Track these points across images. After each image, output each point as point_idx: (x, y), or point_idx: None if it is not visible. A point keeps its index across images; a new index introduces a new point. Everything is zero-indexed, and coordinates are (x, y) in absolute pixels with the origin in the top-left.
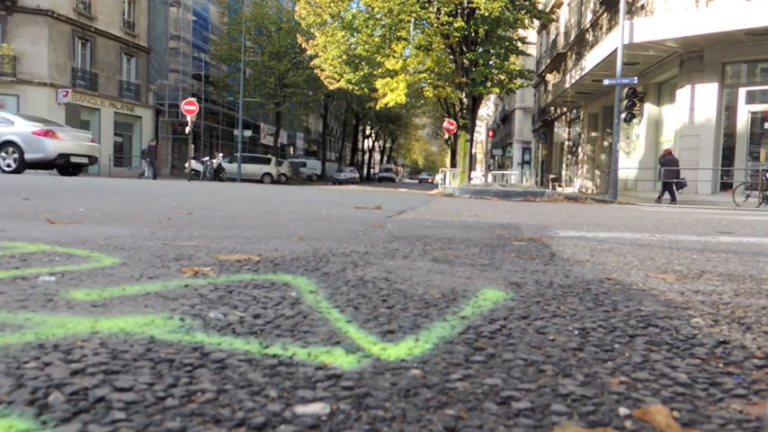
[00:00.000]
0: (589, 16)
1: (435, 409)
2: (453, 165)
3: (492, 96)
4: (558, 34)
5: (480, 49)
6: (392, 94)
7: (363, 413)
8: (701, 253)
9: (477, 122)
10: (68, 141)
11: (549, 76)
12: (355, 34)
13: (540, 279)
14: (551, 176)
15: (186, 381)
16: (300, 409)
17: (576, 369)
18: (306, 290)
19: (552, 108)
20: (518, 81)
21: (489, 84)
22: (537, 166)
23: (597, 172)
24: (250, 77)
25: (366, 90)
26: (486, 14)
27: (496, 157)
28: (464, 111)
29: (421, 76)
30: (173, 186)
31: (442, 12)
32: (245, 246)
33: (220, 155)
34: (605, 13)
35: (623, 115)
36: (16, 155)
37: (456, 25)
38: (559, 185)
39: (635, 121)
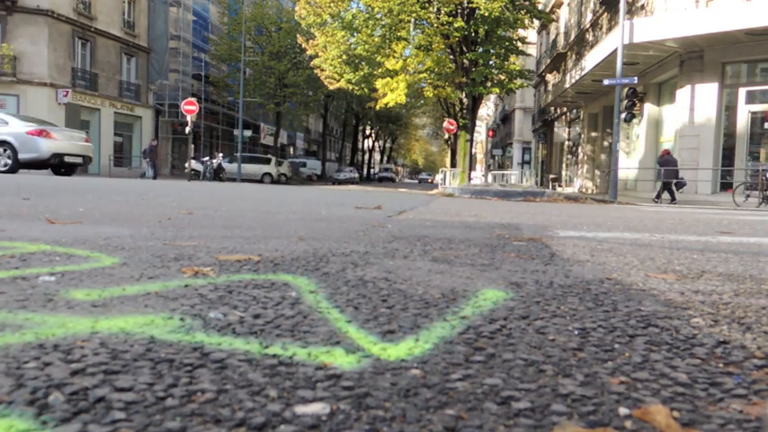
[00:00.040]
0: (589, 16)
1: (435, 409)
2: (453, 165)
3: (492, 96)
4: (558, 34)
5: (480, 49)
6: (392, 94)
7: (363, 413)
8: (701, 253)
9: (477, 122)
10: (62, 141)
11: (549, 76)
12: (355, 34)
13: (540, 279)
14: (551, 176)
15: (186, 381)
16: (300, 409)
17: (576, 369)
18: (306, 290)
19: (552, 108)
20: (518, 81)
21: (489, 84)
22: (537, 166)
23: (597, 172)
24: (250, 77)
25: (366, 90)
26: (486, 14)
27: (496, 157)
28: (464, 111)
29: (421, 76)
30: (173, 186)
31: (442, 12)
32: (245, 246)
33: (220, 155)
34: (605, 13)
35: (623, 115)
36: (10, 154)
37: (456, 25)
38: (559, 185)
39: (635, 121)
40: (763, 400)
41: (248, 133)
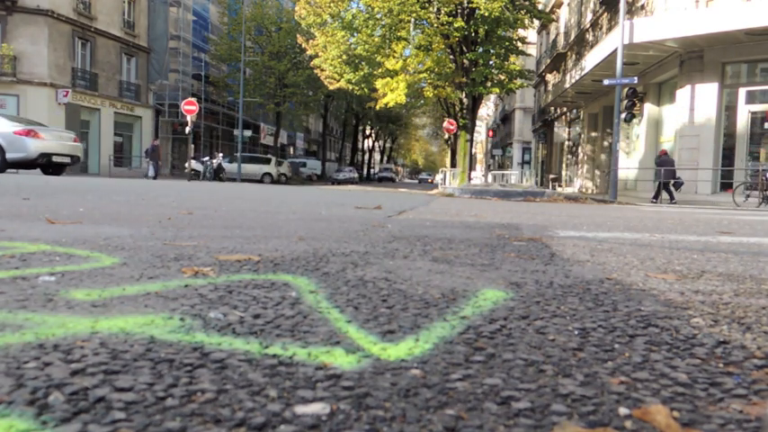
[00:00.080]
0: (589, 16)
1: (435, 409)
2: (453, 165)
3: (492, 96)
4: (558, 34)
5: (480, 49)
6: (392, 94)
7: (363, 413)
8: (701, 253)
9: (477, 122)
10: (50, 141)
11: (549, 76)
12: (355, 34)
13: (540, 279)
14: (551, 176)
15: (186, 381)
16: (300, 409)
17: (576, 369)
18: (306, 290)
19: (552, 108)
20: (518, 81)
21: (489, 84)
22: (537, 166)
23: (597, 172)
24: (250, 77)
25: (366, 90)
26: (486, 14)
27: (496, 157)
28: (464, 111)
29: (421, 76)
30: (173, 186)
31: (442, 12)
32: (245, 246)
33: (220, 155)
34: (605, 13)
35: (623, 115)
36: None
37: (456, 25)
38: (559, 185)
39: (635, 121)
40: (763, 400)
41: (248, 133)
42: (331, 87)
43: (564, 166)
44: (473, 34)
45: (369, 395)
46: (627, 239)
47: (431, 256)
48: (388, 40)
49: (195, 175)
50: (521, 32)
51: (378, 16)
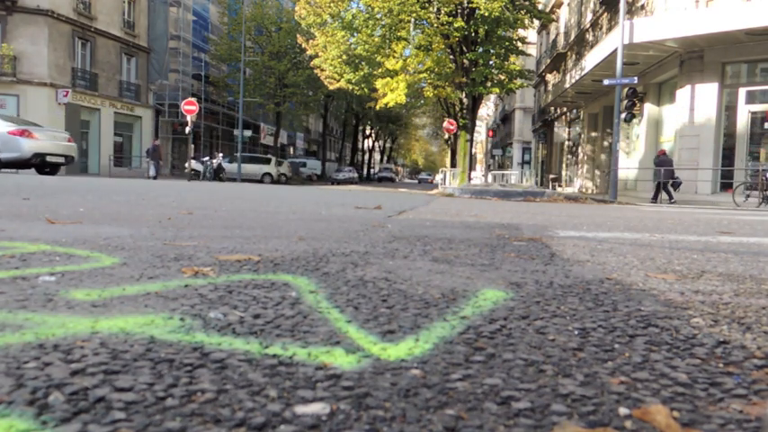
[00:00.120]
0: (589, 16)
1: (435, 409)
2: (453, 165)
3: (492, 96)
4: (558, 34)
5: (480, 49)
6: (392, 94)
7: (363, 413)
8: (701, 253)
9: (477, 122)
10: (44, 141)
11: (549, 76)
12: (355, 34)
13: (540, 279)
14: (551, 176)
15: (186, 381)
16: (300, 409)
17: (576, 369)
18: (306, 290)
19: (552, 108)
20: (518, 81)
21: (489, 84)
22: (537, 166)
23: (597, 172)
24: (250, 77)
25: (366, 90)
26: (486, 14)
27: (496, 157)
28: (464, 111)
29: (421, 76)
30: (173, 186)
31: (442, 12)
32: (245, 246)
33: (220, 155)
34: (605, 13)
35: (623, 115)
36: None
37: (456, 25)
38: (559, 185)
39: (635, 121)
40: (763, 400)
41: (248, 133)
42: (331, 87)
43: (564, 166)
44: (473, 34)
45: (369, 395)
46: (627, 239)
47: (431, 256)
48: (388, 40)
49: (195, 175)
50: (521, 32)
51: (378, 16)
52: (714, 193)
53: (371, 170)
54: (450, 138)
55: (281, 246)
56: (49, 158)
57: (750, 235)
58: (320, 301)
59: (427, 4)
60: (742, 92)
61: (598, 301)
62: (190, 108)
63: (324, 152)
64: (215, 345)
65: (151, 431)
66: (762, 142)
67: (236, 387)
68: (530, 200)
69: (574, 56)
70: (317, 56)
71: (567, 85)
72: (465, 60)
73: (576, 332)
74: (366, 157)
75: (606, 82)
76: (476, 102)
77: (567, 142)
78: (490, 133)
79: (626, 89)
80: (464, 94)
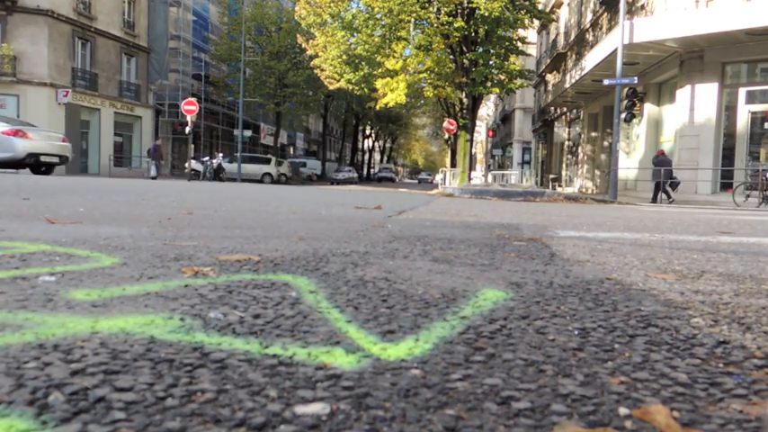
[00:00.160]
0: (589, 16)
1: (435, 409)
2: (453, 165)
3: (492, 96)
4: (558, 34)
5: (480, 49)
6: (392, 94)
7: (363, 413)
8: (701, 253)
9: (477, 122)
10: (38, 141)
11: (549, 76)
12: (355, 34)
13: (540, 279)
14: (551, 176)
15: (186, 381)
16: (300, 409)
17: (576, 369)
18: (306, 290)
19: (552, 108)
20: (518, 81)
21: (489, 84)
22: (537, 166)
23: (597, 172)
24: (250, 77)
25: (366, 90)
26: (486, 14)
27: (496, 157)
28: (464, 111)
29: (421, 76)
30: (173, 186)
31: (442, 12)
32: (245, 246)
33: (220, 155)
34: (605, 13)
35: (623, 115)
36: None
37: (456, 25)
38: (559, 185)
39: (635, 121)
40: (763, 400)
41: (248, 133)
42: (331, 87)
43: (564, 166)
44: (473, 34)
45: (369, 395)
46: (627, 239)
47: (431, 256)
48: (388, 40)
49: (195, 175)
50: (521, 32)
51: (378, 16)
52: (714, 193)
53: (371, 170)
54: (450, 138)
55: (281, 246)
56: (43, 158)
57: (750, 235)
58: (320, 301)
59: (427, 4)
60: (742, 92)
61: (598, 301)
62: (190, 108)
63: (324, 152)
64: (215, 345)
65: (151, 431)
66: (762, 142)
67: (236, 387)
68: (530, 200)
69: (574, 56)
70: (317, 56)
71: (567, 85)
72: (465, 60)
73: (576, 332)
74: (366, 157)
75: (606, 82)
76: (476, 102)
77: (567, 142)
78: (490, 133)
79: (626, 89)
80: (464, 94)
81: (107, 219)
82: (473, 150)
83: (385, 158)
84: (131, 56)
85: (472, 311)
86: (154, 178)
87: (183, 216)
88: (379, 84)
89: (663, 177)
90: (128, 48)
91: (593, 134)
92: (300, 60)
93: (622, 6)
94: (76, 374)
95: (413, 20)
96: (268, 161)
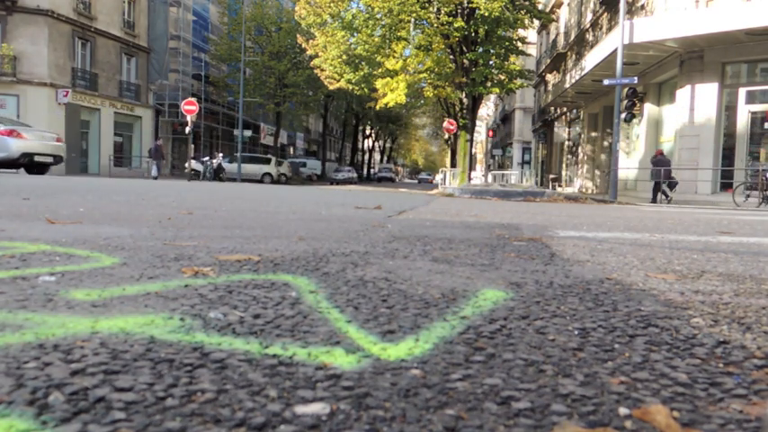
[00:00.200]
0: (589, 16)
1: (435, 409)
2: (453, 165)
3: (492, 96)
4: (558, 34)
5: (480, 49)
6: (392, 94)
7: (363, 413)
8: (701, 253)
9: (477, 122)
10: (32, 141)
11: (549, 76)
12: (355, 34)
13: (540, 279)
14: (551, 176)
15: (186, 381)
16: (300, 409)
17: (576, 369)
18: (306, 290)
19: (552, 108)
20: (518, 81)
21: (489, 84)
22: (537, 166)
23: (597, 172)
24: (250, 77)
25: (366, 90)
26: (486, 14)
27: (496, 157)
28: (464, 111)
29: (421, 76)
30: (173, 186)
31: (442, 12)
32: (245, 246)
33: (220, 155)
34: (605, 13)
35: (623, 115)
36: None
37: (456, 25)
38: (559, 185)
39: (635, 121)
40: (763, 400)
41: (248, 133)
42: (331, 87)
43: (564, 166)
44: (473, 34)
45: (369, 395)
46: (627, 239)
47: (431, 256)
48: (388, 40)
49: (195, 175)
50: (521, 32)
51: (378, 16)
52: (714, 193)
53: (371, 170)
54: (450, 138)
55: (281, 246)
56: (37, 158)
57: (750, 235)
58: (320, 301)
59: (427, 4)
60: (742, 92)
61: (598, 301)
62: (190, 108)
63: (324, 152)
64: (215, 345)
65: (151, 431)
66: (762, 142)
67: (236, 387)
68: (530, 200)
69: (574, 56)
70: (317, 56)
71: (567, 85)
72: (465, 60)
73: (576, 332)
74: (366, 157)
75: (606, 82)
76: (476, 102)
77: (567, 142)
78: (490, 133)
79: (626, 89)
80: (464, 94)
81: (107, 219)
82: (473, 150)
83: (385, 158)
84: (131, 56)
85: (472, 311)
86: (155, 178)
87: (183, 216)
88: (379, 84)
89: (659, 177)
90: (128, 48)
91: (593, 134)
92: (300, 60)
93: (622, 6)
94: (76, 374)
95: (413, 20)
96: (268, 161)
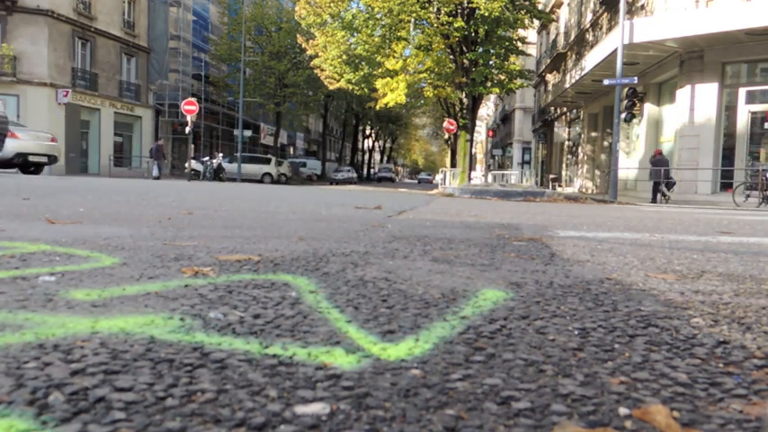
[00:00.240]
0: (589, 16)
1: (435, 409)
2: (453, 165)
3: (492, 96)
4: (558, 34)
5: (480, 49)
6: (392, 94)
7: (363, 413)
8: (701, 253)
9: (477, 122)
10: (27, 141)
11: (549, 76)
12: (355, 34)
13: (540, 279)
14: (551, 176)
15: (186, 381)
16: (300, 409)
17: (576, 369)
18: (306, 290)
19: (552, 108)
20: (518, 81)
21: (489, 84)
22: (537, 166)
23: (597, 172)
24: (250, 77)
25: (366, 90)
26: (486, 14)
27: (496, 157)
28: (464, 111)
29: (421, 76)
30: (173, 186)
31: (442, 12)
32: (245, 246)
33: (220, 155)
34: (605, 13)
35: (623, 115)
36: None
37: (456, 25)
38: (559, 185)
39: (635, 121)
40: (763, 400)
41: (248, 133)
42: (331, 87)
43: (564, 166)
44: (473, 34)
45: (369, 395)
46: (627, 239)
47: (431, 256)
48: (388, 40)
49: (195, 175)
50: (521, 32)
51: (378, 16)
52: (714, 193)
53: (371, 170)
54: (450, 138)
55: (281, 246)
56: (31, 158)
57: (750, 235)
58: (320, 301)
59: (427, 4)
60: (742, 92)
61: (598, 301)
62: (190, 108)
63: (324, 152)
64: (215, 345)
65: (151, 431)
66: (762, 142)
67: (236, 387)
68: (530, 200)
69: (574, 56)
70: (317, 56)
71: (567, 85)
72: (465, 60)
73: (576, 332)
74: (366, 157)
75: (606, 82)
76: (476, 102)
77: (567, 142)
78: (490, 133)
79: (626, 89)
80: (464, 94)
81: (107, 219)
82: (473, 150)
83: (385, 158)
84: (131, 56)
85: (472, 311)
86: (156, 178)
87: (183, 216)
88: (379, 84)
89: (657, 177)
90: (128, 48)
91: (593, 134)
92: (300, 60)
93: (622, 6)
94: (76, 374)
95: (413, 20)
96: (268, 161)
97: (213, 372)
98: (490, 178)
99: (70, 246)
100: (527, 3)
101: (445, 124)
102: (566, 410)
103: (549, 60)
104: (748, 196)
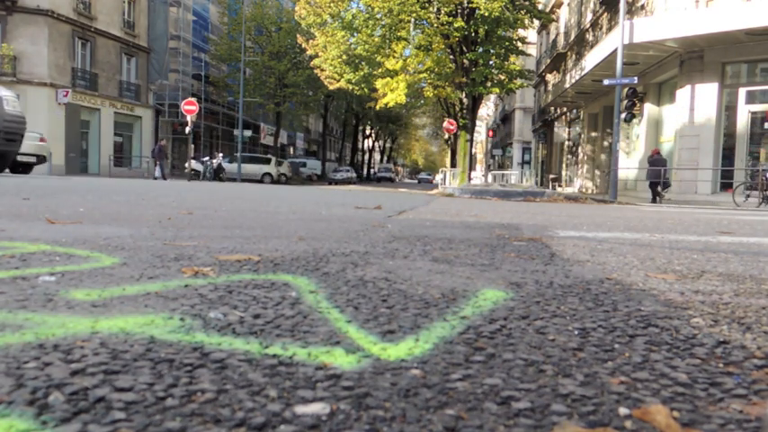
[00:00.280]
0: (589, 16)
1: (435, 409)
2: (453, 165)
3: (492, 96)
4: (558, 34)
5: (480, 49)
6: (392, 94)
7: (363, 413)
8: (701, 253)
9: (477, 122)
10: None
11: (549, 76)
12: (355, 34)
13: (540, 279)
14: (551, 176)
15: (186, 381)
16: (300, 409)
17: (576, 369)
18: (306, 290)
19: (552, 108)
20: (518, 81)
21: (489, 84)
22: (537, 166)
23: (597, 172)
24: (250, 77)
25: (366, 90)
26: (486, 14)
27: (496, 157)
28: (464, 111)
29: (421, 76)
30: (173, 186)
31: (442, 12)
32: (245, 246)
33: (220, 155)
34: (605, 13)
35: (623, 115)
36: None
37: (456, 25)
38: (559, 185)
39: (635, 121)
40: (763, 400)
41: (248, 133)
42: (331, 87)
43: (564, 166)
44: (473, 34)
45: (369, 395)
46: (627, 239)
47: (431, 256)
48: (388, 40)
49: (195, 175)
50: (521, 32)
51: (378, 16)
52: (714, 193)
53: (371, 170)
54: (450, 138)
55: (281, 246)
56: (20, 158)
57: (750, 235)
58: (320, 301)
59: (427, 4)
60: (742, 92)
61: (598, 301)
62: (190, 108)
63: (324, 152)
64: (215, 345)
65: (151, 431)
66: (762, 142)
67: (236, 387)
68: (530, 200)
69: (574, 56)
70: (317, 56)
71: (567, 85)
72: (465, 60)
73: (576, 332)
74: (366, 157)
75: (606, 82)
76: (476, 102)
77: (567, 142)
78: (490, 133)
79: (626, 89)
80: (464, 94)
81: (107, 219)
82: (473, 150)
83: (385, 158)
84: (131, 56)
85: (472, 311)
86: (163, 179)
87: (183, 216)
88: (379, 84)
89: (654, 177)
90: (128, 48)
91: (593, 134)
92: (300, 60)
93: (622, 6)
94: (76, 374)
95: (413, 20)
96: (268, 161)
97: (213, 372)
98: (490, 178)
99: (70, 246)
100: (527, 3)
101: (445, 124)
102: (566, 410)
103: (549, 60)
104: (748, 196)
